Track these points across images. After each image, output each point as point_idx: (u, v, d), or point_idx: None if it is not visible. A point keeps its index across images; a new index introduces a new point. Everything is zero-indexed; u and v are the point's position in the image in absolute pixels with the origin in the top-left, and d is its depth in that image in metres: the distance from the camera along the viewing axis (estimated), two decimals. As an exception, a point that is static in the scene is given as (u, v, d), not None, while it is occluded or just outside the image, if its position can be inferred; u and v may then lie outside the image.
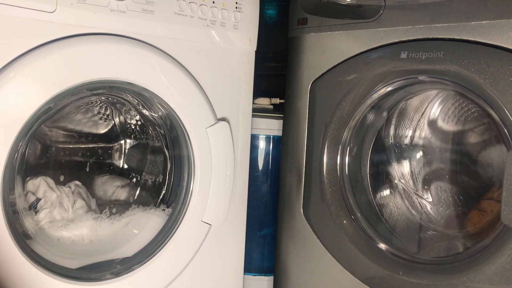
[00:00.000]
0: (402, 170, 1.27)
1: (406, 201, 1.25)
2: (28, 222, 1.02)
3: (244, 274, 1.28)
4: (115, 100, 1.19)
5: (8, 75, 0.86)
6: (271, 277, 1.35)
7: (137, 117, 1.24)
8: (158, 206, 1.17)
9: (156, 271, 1.06)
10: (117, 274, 1.01)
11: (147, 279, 1.04)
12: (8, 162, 0.86)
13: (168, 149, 1.18)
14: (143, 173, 1.27)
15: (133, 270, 1.03)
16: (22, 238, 0.93)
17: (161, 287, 1.07)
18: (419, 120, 1.24)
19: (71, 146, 1.22)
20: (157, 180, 1.23)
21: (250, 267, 1.36)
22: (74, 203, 1.12)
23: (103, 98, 1.18)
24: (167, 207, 1.15)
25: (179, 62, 1.05)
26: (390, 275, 1.07)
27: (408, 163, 1.27)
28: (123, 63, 0.97)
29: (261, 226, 1.37)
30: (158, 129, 1.19)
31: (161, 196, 1.19)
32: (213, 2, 1.08)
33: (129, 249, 1.08)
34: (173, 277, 1.09)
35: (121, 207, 1.19)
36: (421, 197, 1.24)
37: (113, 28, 0.97)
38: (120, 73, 0.98)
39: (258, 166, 1.35)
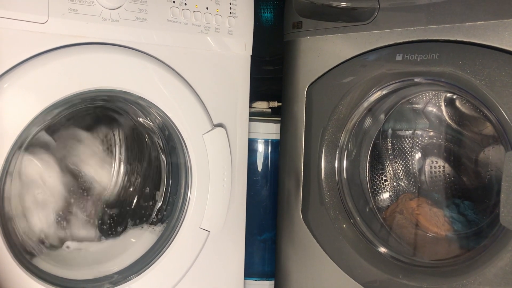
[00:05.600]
0: (400, 172, 1.26)
1: (404, 204, 1.24)
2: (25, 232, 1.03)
3: (245, 279, 1.27)
4: (111, 109, 1.19)
5: (3, 85, 0.86)
6: (272, 282, 1.34)
7: (134, 125, 1.23)
8: (154, 220, 1.17)
9: (154, 280, 1.05)
10: (115, 284, 1.01)
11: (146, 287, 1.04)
12: (3, 175, 0.87)
13: (165, 157, 1.18)
14: (140, 182, 1.27)
15: (131, 279, 1.03)
16: (19, 250, 0.93)
17: (161, 295, 1.07)
18: (416, 122, 1.23)
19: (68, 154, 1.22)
20: (154, 188, 1.22)
21: (251, 272, 1.36)
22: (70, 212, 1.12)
23: (98, 107, 1.18)
24: (161, 222, 1.15)
25: (174, 69, 1.05)
26: (390, 279, 1.06)
27: (406, 165, 1.26)
28: (117, 72, 0.97)
29: (262, 231, 1.37)
30: (154, 137, 1.19)
31: (157, 206, 1.19)
32: (207, 8, 1.08)
33: (127, 258, 1.08)
34: (173, 285, 1.09)
35: (118, 219, 1.19)
36: (419, 199, 1.23)
37: (106, 37, 0.96)
38: (115, 82, 0.97)
39: (257, 170, 1.35)
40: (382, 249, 1.13)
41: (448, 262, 1.05)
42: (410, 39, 1.01)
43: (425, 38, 0.99)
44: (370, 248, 1.13)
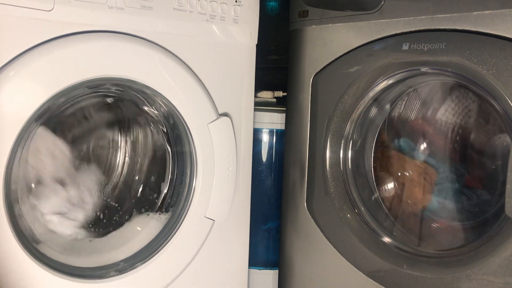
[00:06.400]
0: (405, 163, 1.26)
1: (409, 194, 1.24)
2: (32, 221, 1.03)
3: (249, 268, 1.28)
4: (116, 97, 1.19)
5: (8, 74, 0.86)
6: (277, 271, 1.35)
7: (139, 114, 1.24)
8: (160, 209, 1.17)
9: (160, 268, 1.06)
10: (121, 271, 1.02)
11: (151, 275, 1.05)
12: (9, 162, 0.87)
13: (170, 146, 1.18)
14: (146, 171, 1.27)
15: (137, 267, 1.04)
16: (25, 236, 0.94)
17: (166, 283, 1.08)
18: (422, 112, 1.22)
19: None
20: (159, 177, 1.23)
21: (256, 261, 1.36)
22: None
23: (104, 95, 1.18)
24: (167, 211, 1.15)
25: (179, 58, 1.05)
26: (394, 269, 1.06)
27: (411, 156, 1.26)
28: (122, 60, 0.97)
29: (266, 220, 1.37)
30: (160, 126, 1.19)
31: (163, 195, 1.19)
32: (212, -4, 1.08)
33: (133, 246, 1.08)
34: (178, 272, 1.10)
35: (124, 208, 1.19)
36: (424, 190, 1.23)
37: (112, 25, 0.96)
38: (120, 71, 0.97)
39: (261, 160, 1.35)
40: (387, 239, 1.13)
41: (452, 252, 1.05)
42: (417, 28, 1.00)
43: (432, 27, 0.98)
44: (375, 238, 1.13)
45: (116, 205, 1.21)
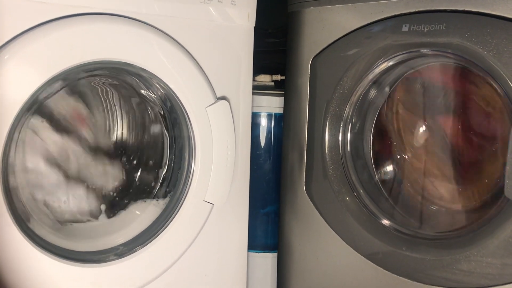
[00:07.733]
0: (404, 145, 1.26)
1: (409, 177, 1.24)
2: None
3: (248, 252, 1.28)
4: (113, 81, 1.18)
5: (3, 57, 0.85)
6: (275, 254, 1.36)
7: (136, 98, 1.23)
8: (158, 195, 1.17)
9: (159, 251, 1.06)
10: (120, 255, 1.02)
11: (150, 259, 1.05)
12: (6, 147, 0.86)
13: (168, 130, 1.17)
14: (143, 156, 1.26)
15: (136, 251, 1.04)
16: (24, 221, 0.94)
17: (165, 266, 1.08)
18: (421, 94, 1.22)
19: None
20: (157, 162, 1.22)
21: (255, 245, 1.37)
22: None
23: (101, 79, 1.17)
24: (164, 197, 1.15)
25: (177, 41, 1.04)
26: (393, 251, 1.07)
27: (410, 138, 1.26)
28: (119, 43, 0.96)
29: (265, 204, 1.37)
30: (157, 109, 1.19)
31: (161, 181, 1.19)
32: (209, -22, 1.06)
33: (132, 230, 1.09)
34: (177, 256, 1.10)
35: (122, 193, 1.19)
36: (424, 172, 1.23)
37: (109, 8, 0.95)
38: (117, 54, 0.96)
39: (260, 144, 1.35)
40: (386, 222, 1.13)
41: (451, 234, 1.06)
42: (417, 9, 0.99)
43: (432, 8, 0.97)
44: (374, 221, 1.13)
45: (114, 194, 1.21)
